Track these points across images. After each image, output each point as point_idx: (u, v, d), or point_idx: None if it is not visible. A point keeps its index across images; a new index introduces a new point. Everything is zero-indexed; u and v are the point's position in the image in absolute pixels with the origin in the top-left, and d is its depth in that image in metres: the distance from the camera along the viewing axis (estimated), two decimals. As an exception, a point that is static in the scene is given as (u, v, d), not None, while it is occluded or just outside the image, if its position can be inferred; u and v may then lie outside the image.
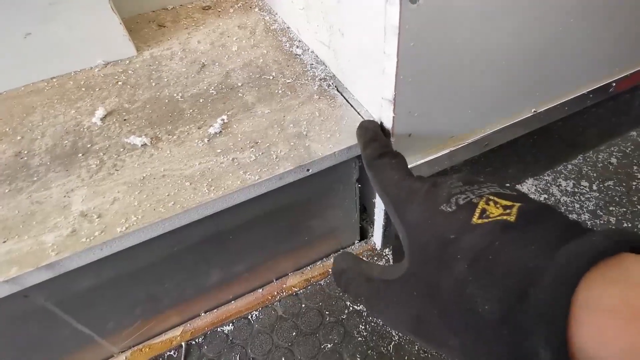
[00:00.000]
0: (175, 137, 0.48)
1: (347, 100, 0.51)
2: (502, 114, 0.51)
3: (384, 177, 0.30)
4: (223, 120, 0.49)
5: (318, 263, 0.63)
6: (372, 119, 0.43)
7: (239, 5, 0.73)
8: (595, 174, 0.73)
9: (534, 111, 0.54)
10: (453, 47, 0.39)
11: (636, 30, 0.53)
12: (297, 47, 0.61)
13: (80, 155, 0.47)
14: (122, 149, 0.47)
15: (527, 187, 0.71)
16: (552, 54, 0.47)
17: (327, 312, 0.57)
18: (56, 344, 0.48)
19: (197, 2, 0.74)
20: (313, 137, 0.47)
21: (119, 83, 0.57)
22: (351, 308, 0.57)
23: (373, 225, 0.62)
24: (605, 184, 0.71)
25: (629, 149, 0.77)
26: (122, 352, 0.55)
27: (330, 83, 0.54)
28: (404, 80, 0.38)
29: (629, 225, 0.64)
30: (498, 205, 0.21)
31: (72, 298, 0.44)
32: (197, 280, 0.53)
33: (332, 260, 0.63)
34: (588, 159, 0.75)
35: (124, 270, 0.45)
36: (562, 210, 0.67)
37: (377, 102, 0.43)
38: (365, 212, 0.66)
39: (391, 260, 0.61)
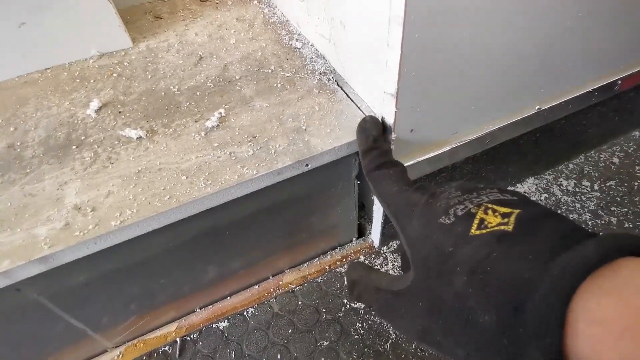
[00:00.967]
0: (171, 130, 0.47)
1: (347, 95, 0.50)
2: (505, 110, 0.51)
3: (383, 189, 0.30)
4: (220, 113, 0.48)
5: (315, 260, 0.62)
6: (373, 116, 0.42)
7: (238, -3, 0.72)
8: (597, 174, 0.72)
9: (538, 108, 0.53)
10: (458, 40, 0.38)
11: (642, 27, 0.52)
12: (297, 40, 0.60)
13: (74, 147, 0.46)
14: (117, 142, 0.46)
15: (528, 185, 0.71)
16: (558, 50, 0.47)
17: (323, 310, 0.56)
18: (49, 339, 0.47)
19: (195, -7, 0.72)
20: (312, 131, 0.46)
21: (114, 75, 0.56)
22: (348, 306, 0.56)
23: (371, 222, 0.61)
24: (607, 184, 0.70)
25: (632, 148, 0.76)
26: (116, 347, 0.54)
27: (331, 77, 0.53)
28: (407, 73, 0.37)
29: (630, 225, 0.64)
30: (497, 214, 0.21)
31: (65, 292, 0.43)
32: (192, 275, 0.52)
33: (329, 257, 0.62)
34: (590, 159, 0.75)
35: (118, 265, 0.44)
36: (563, 213, 0.66)
37: (379, 97, 0.43)
38: (364, 209, 0.65)
39: (389, 260, 0.61)
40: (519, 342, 0.17)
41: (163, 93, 0.52)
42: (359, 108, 0.48)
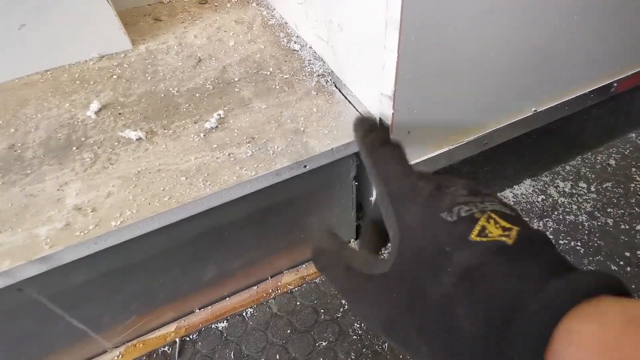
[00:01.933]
0: (170, 131, 0.47)
1: (345, 97, 0.51)
2: (502, 112, 0.51)
3: (386, 167, 0.28)
4: (219, 115, 0.48)
5: (314, 260, 0.62)
6: (369, 114, 0.42)
7: (237, -1, 0.72)
8: (593, 175, 0.72)
9: (534, 110, 0.53)
10: (454, 42, 0.38)
11: (639, 30, 0.53)
12: (295, 42, 0.60)
13: (74, 148, 0.46)
14: (116, 143, 0.46)
15: (525, 187, 0.71)
16: (554, 52, 0.47)
17: (322, 310, 0.57)
18: (49, 339, 0.48)
19: (195, -5, 0.73)
20: (310, 133, 0.46)
21: (114, 76, 0.56)
22: (346, 306, 0.57)
23: (370, 223, 0.62)
24: (603, 186, 0.71)
25: (628, 150, 0.76)
26: (116, 347, 0.54)
27: (328, 79, 0.53)
28: (404, 75, 0.38)
29: (627, 227, 0.64)
30: (498, 226, 0.22)
31: (66, 292, 0.43)
32: (191, 276, 0.52)
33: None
34: (586, 160, 0.75)
35: (118, 265, 0.44)
36: (560, 214, 0.67)
37: (376, 98, 0.43)
38: (362, 210, 0.65)
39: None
40: (500, 351, 0.18)
41: (162, 95, 0.53)
42: (356, 110, 0.48)
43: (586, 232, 0.64)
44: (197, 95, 0.52)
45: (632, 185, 0.70)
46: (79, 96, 0.53)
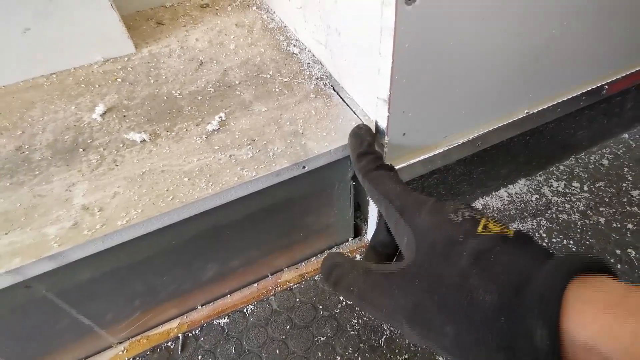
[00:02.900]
0: (173, 133, 0.49)
1: (342, 100, 0.52)
2: (495, 114, 0.53)
3: (385, 187, 0.33)
4: (221, 117, 0.50)
5: (312, 259, 0.64)
6: (364, 124, 0.44)
7: (236, 3, 0.73)
8: (586, 175, 0.74)
9: (527, 112, 0.55)
10: (447, 48, 0.40)
11: (629, 33, 0.54)
12: (294, 46, 0.62)
13: (81, 150, 0.48)
14: (121, 145, 0.48)
15: (519, 187, 0.73)
16: (545, 56, 0.49)
17: (320, 307, 0.58)
18: (57, 334, 0.49)
19: (196, -1, 0.74)
20: (309, 135, 0.48)
21: (118, 80, 0.57)
22: (344, 303, 0.58)
23: (367, 222, 0.63)
24: (596, 185, 0.72)
25: (620, 151, 0.78)
26: (120, 342, 0.56)
27: (327, 82, 0.55)
28: (398, 80, 0.39)
29: (618, 225, 0.66)
30: (497, 225, 0.26)
31: (73, 289, 0.45)
32: (194, 274, 0.54)
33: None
34: (580, 160, 0.77)
35: (123, 263, 0.46)
36: (553, 213, 0.69)
37: (372, 102, 0.45)
38: (359, 210, 0.67)
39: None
40: (516, 317, 0.20)
41: (165, 97, 0.54)
42: (354, 112, 0.50)
43: (579, 230, 0.66)
44: (199, 98, 0.54)
45: (624, 184, 0.72)
46: (84, 99, 0.54)
